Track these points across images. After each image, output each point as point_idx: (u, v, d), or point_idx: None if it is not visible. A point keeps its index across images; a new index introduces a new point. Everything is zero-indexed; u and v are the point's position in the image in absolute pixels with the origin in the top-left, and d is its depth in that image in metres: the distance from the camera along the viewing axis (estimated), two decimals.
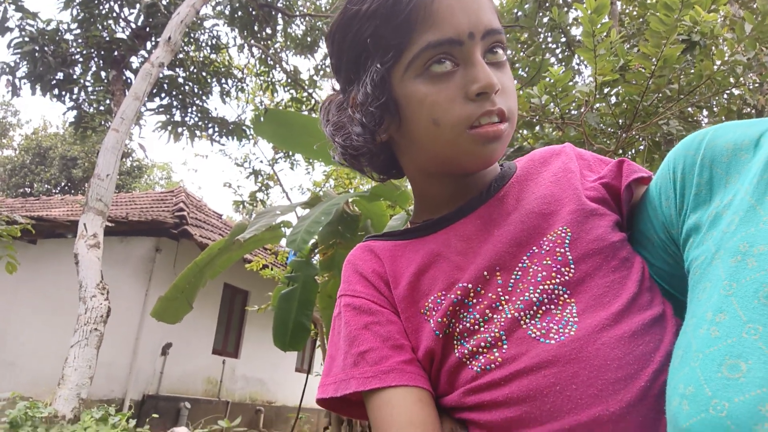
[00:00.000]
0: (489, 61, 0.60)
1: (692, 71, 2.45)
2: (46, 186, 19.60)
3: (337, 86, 0.72)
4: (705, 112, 3.34)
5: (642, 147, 2.92)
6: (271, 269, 6.10)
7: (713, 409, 0.39)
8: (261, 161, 10.12)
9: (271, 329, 2.86)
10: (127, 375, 7.97)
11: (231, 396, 9.81)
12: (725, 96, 2.96)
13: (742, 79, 2.52)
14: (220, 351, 9.77)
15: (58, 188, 19.68)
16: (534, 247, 0.60)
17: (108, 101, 8.54)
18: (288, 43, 9.87)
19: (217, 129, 9.56)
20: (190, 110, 9.36)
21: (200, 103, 9.36)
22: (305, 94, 9.94)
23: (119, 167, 4.80)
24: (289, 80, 9.93)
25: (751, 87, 2.91)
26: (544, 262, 0.59)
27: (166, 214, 8.31)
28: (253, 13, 9.06)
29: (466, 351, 0.57)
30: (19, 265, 5.08)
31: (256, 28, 9.28)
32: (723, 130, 0.54)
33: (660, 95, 2.48)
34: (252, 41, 9.41)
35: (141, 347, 8.15)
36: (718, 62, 2.35)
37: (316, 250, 3.19)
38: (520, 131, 2.84)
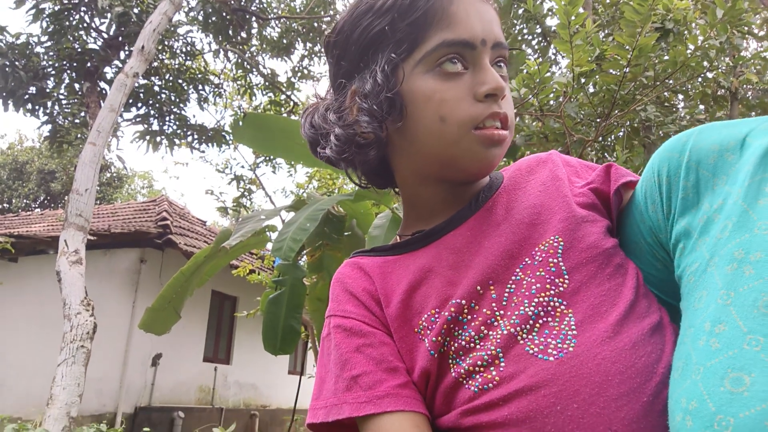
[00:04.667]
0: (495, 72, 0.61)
1: (667, 58, 2.47)
2: (24, 201, 19.25)
3: (316, 91, 0.71)
4: (681, 97, 3.39)
5: (621, 134, 2.95)
6: (258, 274, 6.07)
7: (718, 425, 0.37)
8: (242, 166, 10.08)
9: (261, 334, 2.84)
10: (118, 388, 7.88)
11: (225, 403, 9.75)
12: (700, 80, 3.00)
13: (715, 62, 2.56)
14: (211, 358, 9.70)
15: (37, 202, 19.35)
16: (526, 258, 0.59)
17: (83, 114, 8.41)
18: (264, 46, 9.80)
19: (196, 136, 9.46)
20: (167, 119, 9.24)
21: (178, 111, 9.25)
22: (283, 96, 9.89)
23: (98, 179, 4.73)
24: (267, 83, 9.86)
25: (724, 70, 2.95)
26: (538, 273, 0.57)
27: (150, 224, 8.21)
28: (227, 17, 8.98)
29: (462, 370, 0.56)
30: (1, 284, 4.99)
31: (230, 32, 9.19)
32: (707, 132, 0.53)
33: (636, 83, 2.51)
34: (227, 46, 9.33)
35: (131, 359, 8.06)
36: (692, 47, 2.38)
37: (303, 253, 3.18)
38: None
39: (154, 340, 7.79)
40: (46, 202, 19.26)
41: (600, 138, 2.75)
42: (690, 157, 0.53)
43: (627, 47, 2.28)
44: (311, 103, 0.71)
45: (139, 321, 3.47)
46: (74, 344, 3.48)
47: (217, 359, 9.90)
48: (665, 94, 2.92)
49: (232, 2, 8.74)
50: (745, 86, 3.25)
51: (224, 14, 8.92)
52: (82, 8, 8.15)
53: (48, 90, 8.36)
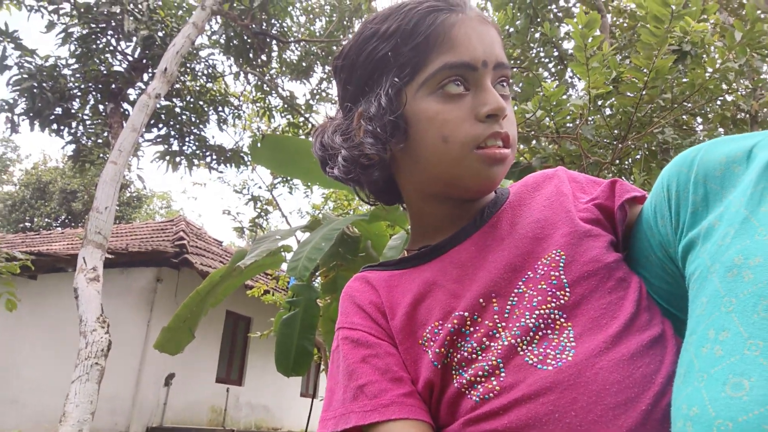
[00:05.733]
0: (497, 92, 0.62)
1: (685, 80, 2.46)
2: (46, 220, 19.62)
3: (332, 113, 0.73)
4: (699, 120, 3.36)
5: (638, 156, 2.93)
6: (273, 294, 6.08)
7: (717, 430, 0.38)
8: (260, 187, 10.17)
9: (274, 355, 2.83)
10: (131, 407, 7.87)
11: (236, 424, 9.68)
12: (718, 103, 2.97)
13: (734, 85, 2.54)
14: (224, 379, 9.68)
15: (58, 221, 19.70)
16: (529, 272, 0.60)
17: (106, 134, 8.58)
18: (283, 68, 9.97)
19: (214, 157, 9.59)
20: (187, 139, 9.40)
21: (197, 132, 9.40)
22: (302, 118, 10.01)
23: (118, 199, 4.80)
24: (286, 105, 10.00)
25: (743, 93, 2.93)
26: (539, 286, 0.58)
27: (167, 244, 8.30)
28: (248, 41, 9.17)
29: (464, 381, 0.57)
30: (19, 301, 5.05)
31: (251, 55, 9.37)
32: (715, 146, 0.54)
33: (654, 105, 2.49)
34: (248, 68, 9.50)
35: (144, 378, 8.06)
36: (710, 70, 2.37)
37: (317, 273, 3.17)
38: (517, 146, 2.85)
39: (167, 359, 7.78)
40: (67, 221, 19.59)
41: (617, 161, 2.73)
42: (698, 171, 0.53)
43: (644, 69, 2.27)
44: (321, 123, 0.73)
45: (155, 341, 3.48)
46: (89, 361, 3.50)
47: (230, 380, 9.87)
48: (683, 116, 2.90)
49: (254, 26, 8.93)
50: (765, 109, 3.22)
51: (245, 38, 9.11)
52: (109, 32, 8.39)
53: (73, 111, 8.57)
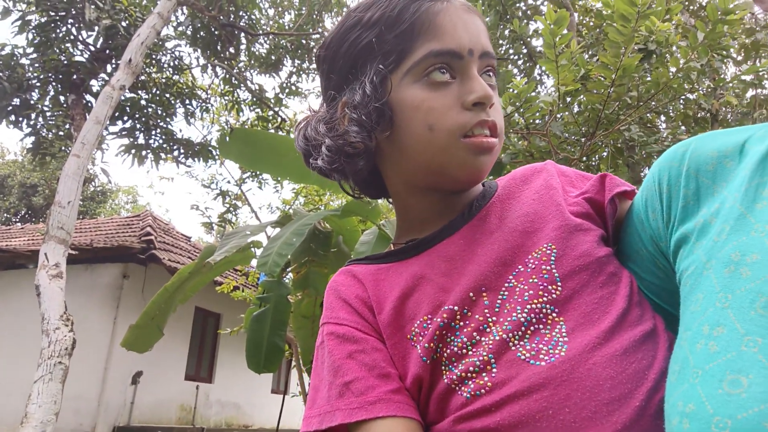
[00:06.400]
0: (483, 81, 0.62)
1: (649, 79, 2.52)
2: (5, 215, 18.95)
3: (303, 107, 0.72)
4: (663, 118, 3.45)
5: (605, 153, 2.99)
6: (243, 291, 6.00)
7: (715, 427, 0.37)
8: (228, 181, 10.01)
9: (244, 352, 2.80)
10: (96, 407, 7.69)
11: (206, 422, 9.56)
12: (681, 101, 3.06)
13: (696, 84, 2.61)
14: (193, 376, 9.53)
15: (18, 217, 19.05)
16: (519, 266, 0.59)
17: (67, 126, 8.32)
18: (252, 62, 9.83)
19: (182, 151, 9.40)
20: (153, 133, 9.18)
21: (164, 125, 9.20)
22: (271, 112, 9.89)
23: (82, 193, 4.66)
24: (255, 99, 9.87)
25: (705, 92, 3.02)
26: (531, 280, 0.57)
27: (133, 239, 8.11)
28: (216, 32, 9.00)
29: (454, 376, 0.56)
30: None
31: (219, 47, 9.21)
32: (706, 140, 0.54)
33: (620, 103, 2.55)
34: (215, 61, 9.33)
35: (110, 377, 7.88)
36: (674, 69, 2.43)
37: (288, 269, 3.15)
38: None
39: (134, 357, 7.65)
40: (27, 216, 18.96)
41: (585, 157, 2.78)
42: (689, 165, 0.53)
43: (611, 67, 2.32)
44: (304, 116, 0.72)
45: (122, 339, 3.40)
46: (52, 360, 3.40)
47: (199, 377, 9.73)
48: (648, 115, 2.97)
49: (221, 18, 8.77)
50: (725, 108, 3.32)
51: (213, 29, 8.94)
52: (70, 20, 8.13)
53: (32, 102, 8.28)
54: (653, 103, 2.63)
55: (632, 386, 0.50)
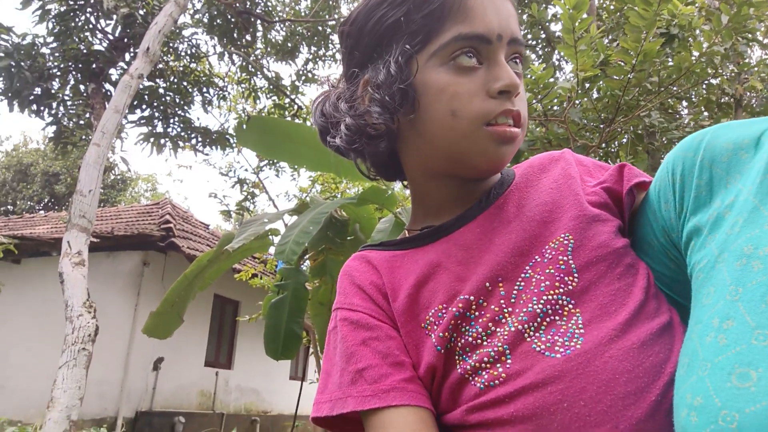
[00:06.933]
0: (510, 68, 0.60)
1: (671, 64, 2.47)
2: (28, 203, 19.31)
3: (334, 81, 0.70)
4: (685, 103, 3.38)
5: (625, 140, 2.94)
6: (261, 278, 6.06)
7: (723, 420, 0.37)
8: (246, 169, 10.08)
9: (263, 338, 2.83)
10: (119, 392, 7.87)
11: (226, 408, 9.72)
12: (704, 86, 2.99)
13: (720, 69, 2.55)
14: (212, 363, 9.69)
15: (41, 205, 19.41)
16: (536, 256, 0.58)
17: (88, 115, 8.42)
18: (268, 49, 9.82)
19: (200, 139, 9.46)
20: (172, 121, 9.25)
21: (182, 114, 9.26)
22: (287, 100, 9.90)
23: (102, 181, 4.72)
24: (271, 87, 9.88)
25: (728, 77, 2.94)
26: (547, 271, 0.56)
27: (153, 227, 8.22)
28: (232, 20, 9.00)
29: (468, 366, 0.55)
30: (3, 286, 4.99)
31: (235, 35, 9.21)
32: (722, 130, 0.53)
33: (641, 89, 2.50)
34: (232, 49, 9.35)
35: (132, 363, 8.05)
36: (696, 54, 2.38)
37: (305, 257, 3.17)
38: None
39: (155, 343, 7.75)
40: (50, 204, 19.31)
41: (604, 144, 2.74)
42: (704, 155, 0.52)
43: (631, 52, 2.28)
44: (322, 92, 0.70)
45: (143, 326, 3.47)
46: (75, 346, 3.48)
47: (219, 364, 9.88)
48: (669, 100, 2.91)
49: (237, 5, 8.77)
50: (749, 93, 3.24)
51: (229, 17, 8.94)
52: (88, 9, 8.19)
53: (53, 91, 8.39)
54: (675, 88, 2.58)
55: (649, 380, 0.49)
